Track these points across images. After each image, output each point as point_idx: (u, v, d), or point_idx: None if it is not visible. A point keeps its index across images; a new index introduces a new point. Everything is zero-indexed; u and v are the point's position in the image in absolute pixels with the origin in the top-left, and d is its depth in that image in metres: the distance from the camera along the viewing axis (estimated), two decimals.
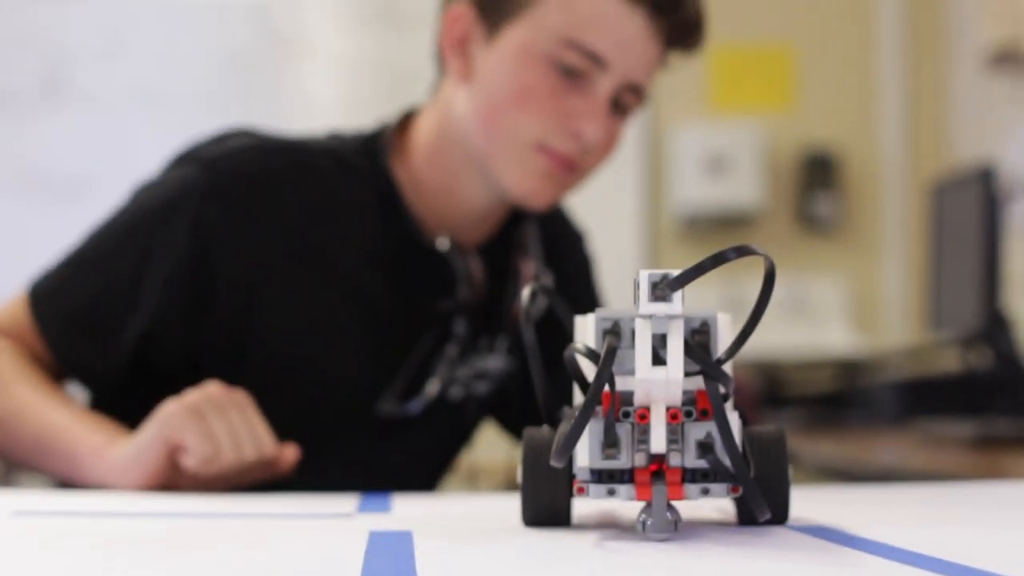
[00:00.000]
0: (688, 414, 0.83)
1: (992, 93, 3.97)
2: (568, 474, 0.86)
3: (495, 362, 1.56)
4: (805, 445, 2.42)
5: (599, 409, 0.82)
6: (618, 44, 1.42)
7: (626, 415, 0.83)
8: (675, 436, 0.82)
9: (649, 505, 0.81)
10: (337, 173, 1.47)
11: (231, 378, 1.35)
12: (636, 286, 0.84)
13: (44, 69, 4.20)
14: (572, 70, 1.41)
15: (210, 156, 1.44)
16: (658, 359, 0.80)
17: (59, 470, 1.35)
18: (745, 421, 0.87)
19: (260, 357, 1.42)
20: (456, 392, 1.53)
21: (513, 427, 1.64)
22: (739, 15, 4.36)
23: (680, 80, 4.35)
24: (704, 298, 4.05)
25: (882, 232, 4.41)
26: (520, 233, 1.57)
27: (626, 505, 0.88)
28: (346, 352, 1.45)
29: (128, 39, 4.23)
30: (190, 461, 1.23)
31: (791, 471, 0.87)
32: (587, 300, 1.64)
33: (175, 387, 1.34)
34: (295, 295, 1.43)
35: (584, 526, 0.89)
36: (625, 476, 0.83)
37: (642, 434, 0.82)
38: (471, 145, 1.46)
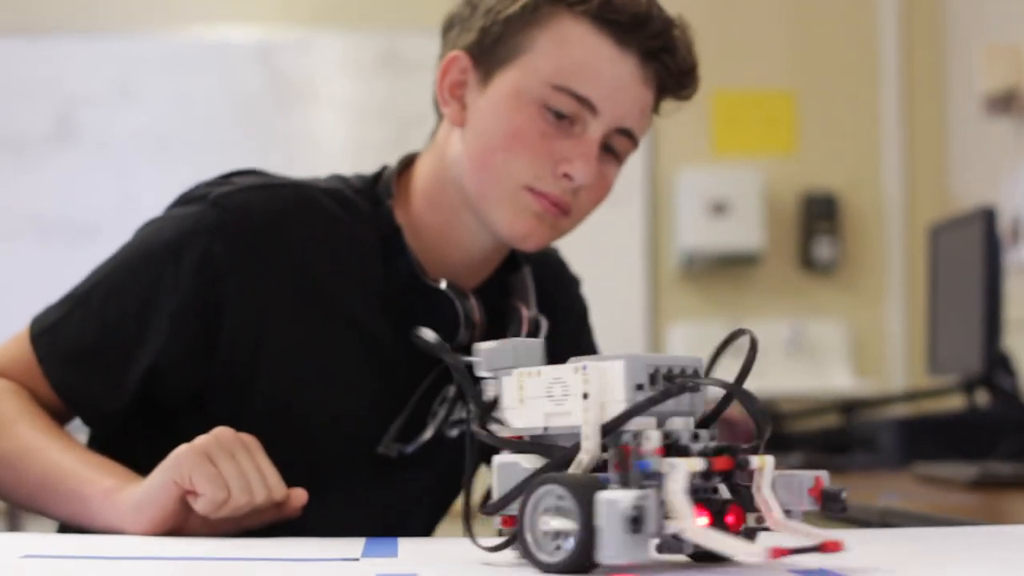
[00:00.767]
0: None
1: (991, 136, 4.00)
2: None
3: None
4: None
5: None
6: (608, 89, 1.43)
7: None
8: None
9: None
10: (341, 214, 1.49)
11: (235, 417, 1.36)
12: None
13: (56, 115, 4.23)
14: (563, 114, 1.43)
15: (217, 195, 1.45)
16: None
17: (66, 513, 1.35)
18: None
19: (265, 396, 1.43)
20: (455, 432, 1.54)
21: None
22: (741, 61, 4.39)
23: (683, 124, 4.37)
24: (710, 336, 4.05)
25: (883, 274, 4.42)
26: (516, 277, 1.58)
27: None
28: (349, 392, 1.46)
29: (138, 86, 4.27)
30: (201, 505, 1.24)
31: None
32: (580, 346, 1.65)
33: (178, 427, 1.35)
34: (300, 335, 1.44)
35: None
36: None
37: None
38: (465, 188, 1.48)
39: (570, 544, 0.79)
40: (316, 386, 1.45)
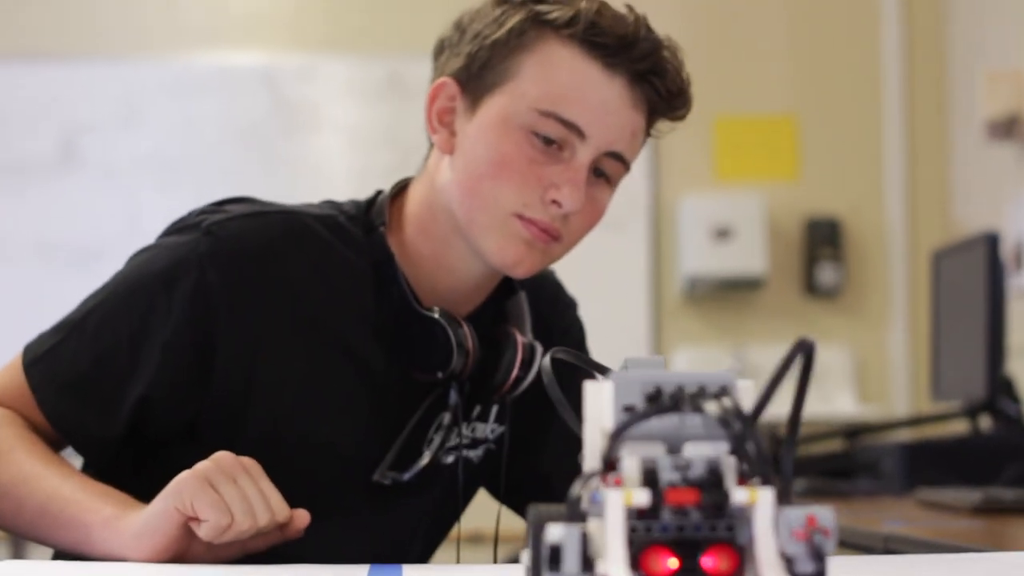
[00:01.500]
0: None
1: (993, 162, 4.00)
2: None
3: (487, 430, 1.57)
4: None
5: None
6: (596, 113, 1.42)
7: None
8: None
9: None
10: (334, 241, 1.48)
11: (229, 445, 1.35)
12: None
13: (60, 139, 4.25)
14: (551, 140, 1.42)
15: (210, 223, 1.44)
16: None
17: (68, 541, 1.34)
18: None
19: (259, 424, 1.42)
20: (450, 459, 1.54)
21: (503, 494, 1.63)
22: (743, 87, 4.41)
23: (686, 150, 4.39)
24: (713, 361, 4.05)
25: (886, 299, 4.43)
26: (511, 303, 1.58)
27: None
28: (344, 421, 1.45)
29: (142, 110, 4.28)
30: (204, 531, 1.23)
31: None
32: (576, 370, 1.65)
33: (171, 456, 1.35)
34: (294, 363, 1.43)
35: None
36: None
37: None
38: (455, 215, 1.47)
39: None
40: (310, 414, 1.44)
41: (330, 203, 1.54)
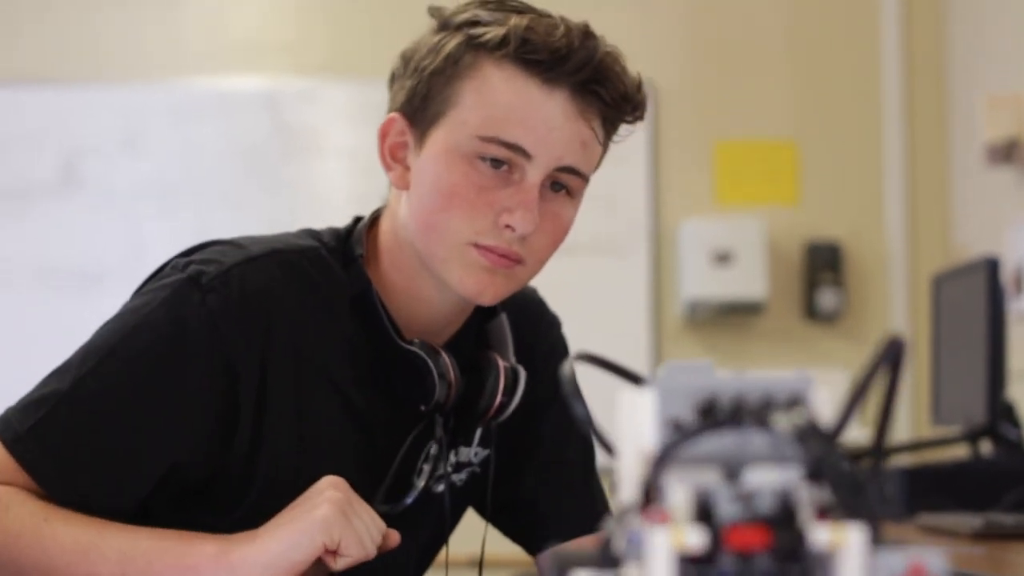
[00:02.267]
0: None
1: (994, 186, 4.01)
2: None
3: (471, 453, 1.58)
4: None
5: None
6: (539, 131, 1.40)
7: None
8: None
9: None
10: (318, 277, 1.47)
11: (239, 494, 1.36)
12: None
13: (61, 164, 4.25)
14: (498, 164, 1.40)
15: (209, 277, 1.41)
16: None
17: None
18: None
19: (264, 469, 1.42)
20: (440, 487, 1.54)
21: (490, 516, 1.63)
22: (743, 112, 4.41)
23: (686, 175, 4.40)
24: None
25: (886, 324, 4.43)
26: (492, 325, 1.57)
27: None
28: (339, 462, 1.44)
29: (143, 135, 4.29)
30: (341, 564, 1.27)
31: None
32: (560, 387, 1.64)
33: (177, 509, 1.36)
34: (291, 405, 1.42)
35: None
36: None
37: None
38: (417, 249, 1.46)
39: None
40: (304, 453, 1.43)
41: (309, 232, 1.53)
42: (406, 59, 1.47)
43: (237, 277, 1.42)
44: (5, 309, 4.21)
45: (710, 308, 4.35)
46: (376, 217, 1.54)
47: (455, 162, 1.41)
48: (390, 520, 1.47)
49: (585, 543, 1.60)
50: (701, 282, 4.31)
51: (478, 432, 1.56)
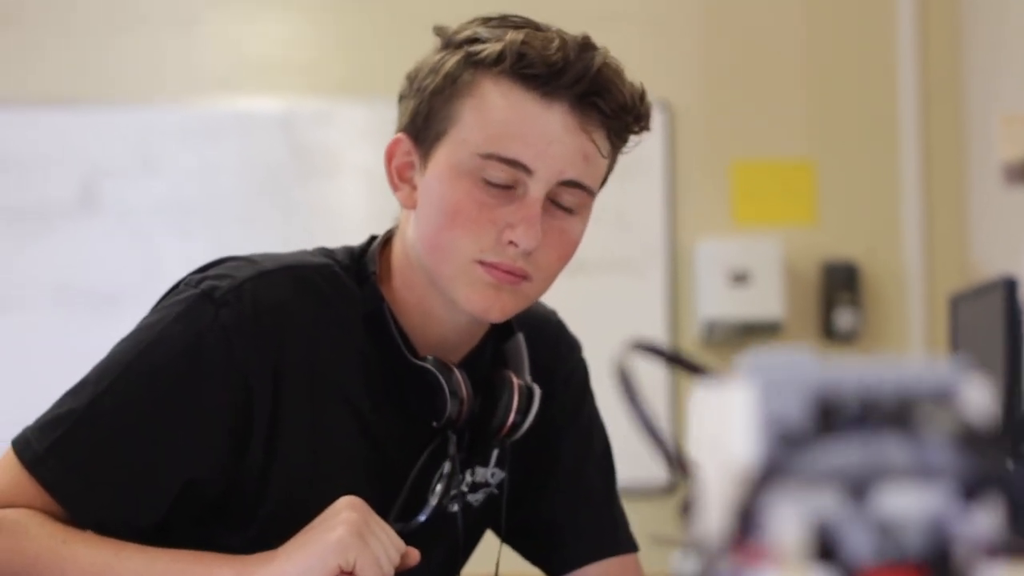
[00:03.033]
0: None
1: (1011, 206, 4.00)
2: None
3: (488, 474, 1.57)
4: None
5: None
6: (539, 146, 1.40)
7: None
8: None
9: None
10: (332, 293, 1.47)
11: (252, 513, 1.36)
12: None
13: (78, 184, 4.27)
14: (499, 181, 1.41)
15: (222, 292, 1.41)
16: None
17: None
18: None
19: (278, 487, 1.42)
20: (455, 507, 1.53)
21: (505, 537, 1.63)
22: (760, 131, 4.41)
23: (702, 195, 4.40)
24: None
25: (904, 344, 4.41)
26: (509, 345, 1.57)
27: None
28: (352, 477, 1.45)
29: (160, 156, 4.30)
30: None
31: None
32: (581, 414, 1.64)
33: (192, 527, 1.36)
34: (305, 421, 1.43)
35: None
36: None
37: None
38: (426, 269, 1.46)
39: None
40: (318, 471, 1.44)
41: (323, 251, 1.54)
42: (410, 79, 1.48)
43: (250, 292, 1.42)
44: (23, 329, 4.22)
45: (727, 328, 4.34)
46: (389, 236, 1.54)
47: (458, 180, 1.41)
48: (403, 538, 1.47)
49: (610, 570, 1.60)
50: (718, 302, 4.30)
51: (495, 453, 1.56)
